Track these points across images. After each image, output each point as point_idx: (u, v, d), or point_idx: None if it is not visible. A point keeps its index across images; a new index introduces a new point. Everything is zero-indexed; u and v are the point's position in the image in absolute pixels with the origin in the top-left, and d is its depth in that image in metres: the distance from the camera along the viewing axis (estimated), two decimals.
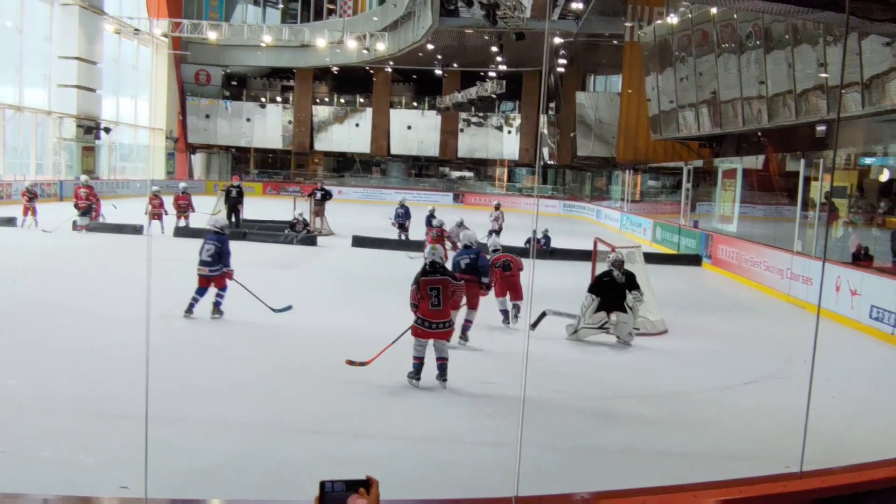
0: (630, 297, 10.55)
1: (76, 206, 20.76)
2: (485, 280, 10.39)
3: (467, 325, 10.18)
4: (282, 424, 6.92)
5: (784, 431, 7.36)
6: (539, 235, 20.85)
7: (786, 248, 16.16)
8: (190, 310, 10.70)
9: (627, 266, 11.87)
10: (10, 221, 20.60)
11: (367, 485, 2.35)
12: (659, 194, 35.72)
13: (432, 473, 6.02)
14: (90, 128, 35.78)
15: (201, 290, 10.84)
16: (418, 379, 8.04)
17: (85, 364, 8.32)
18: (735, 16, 22.08)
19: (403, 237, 21.62)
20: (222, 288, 10.97)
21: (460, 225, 17.79)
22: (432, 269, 8.26)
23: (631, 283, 10.72)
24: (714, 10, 23.42)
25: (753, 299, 15.76)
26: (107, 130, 37.26)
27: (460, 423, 7.21)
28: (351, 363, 8.19)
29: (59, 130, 35.01)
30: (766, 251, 16.84)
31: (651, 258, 16.83)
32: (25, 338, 9.32)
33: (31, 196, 20.91)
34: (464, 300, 9.66)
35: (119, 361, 8.11)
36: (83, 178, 23.09)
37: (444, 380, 8.07)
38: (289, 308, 11.10)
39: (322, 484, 2.32)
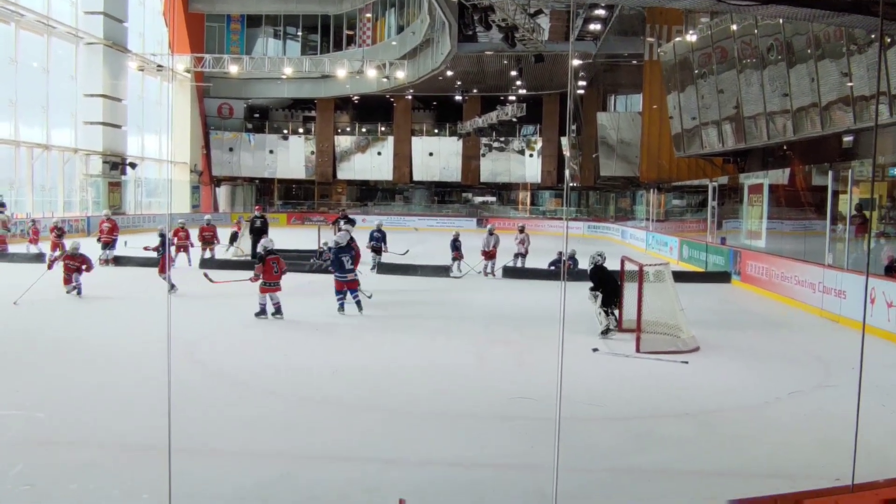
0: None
1: (99, 240, 20.88)
2: None
3: None
4: (308, 453, 6.77)
5: (827, 446, 7.14)
6: (566, 257, 20.60)
7: (816, 261, 15.83)
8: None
9: (656, 284, 11.73)
10: (38, 257, 20.73)
11: None
12: (684, 213, 35.40)
13: (464, 499, 5.86)
14: (116, 164, 36.24)
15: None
16: None
17: (111, 397, 8.26)
18: (755, 31, 21.95)
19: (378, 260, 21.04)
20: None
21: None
22: None
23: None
24: (734, 27, 23.30)
25: (785, 314, 15.44)
26: (132, 166, 37.69)
27: (492, 446, 7.03)
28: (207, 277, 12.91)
29: (86, 167, 35.51)
30: (797, 266, 16.52)
31: (679, 276, 16.55)
32: (52, 371, 9.28)
33: (59, 232, 21.05)
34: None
35: (144, 394, 8.07)
36: (105, 212, 23.22)
37: None
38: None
39: None
